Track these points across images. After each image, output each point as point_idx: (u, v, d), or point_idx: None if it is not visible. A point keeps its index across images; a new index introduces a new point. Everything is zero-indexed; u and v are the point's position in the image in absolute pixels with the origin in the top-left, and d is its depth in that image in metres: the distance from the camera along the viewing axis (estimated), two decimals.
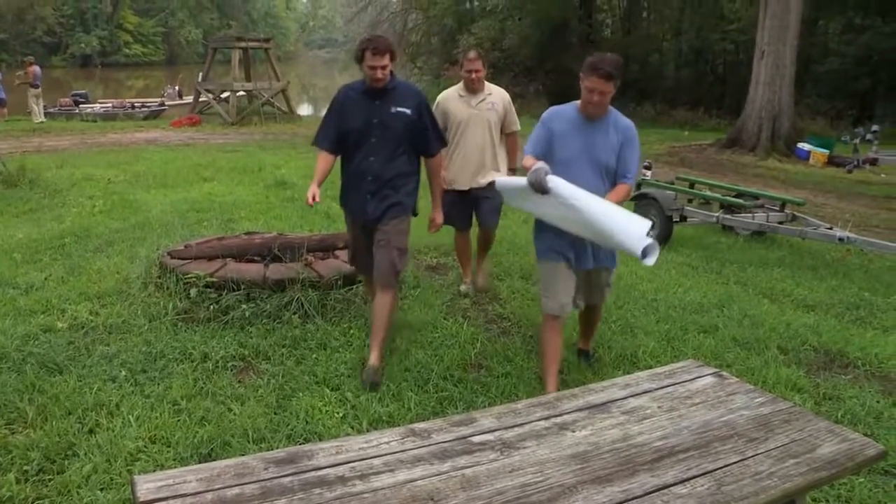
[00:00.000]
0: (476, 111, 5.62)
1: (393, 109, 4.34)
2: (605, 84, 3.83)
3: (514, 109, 5.84)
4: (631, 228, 3.60)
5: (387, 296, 4.45)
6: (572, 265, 4.13)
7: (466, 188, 5.67)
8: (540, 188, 3.73)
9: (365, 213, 4.48)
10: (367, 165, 4.40)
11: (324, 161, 4.52)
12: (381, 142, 4.37)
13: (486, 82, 5.72)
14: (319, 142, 4.55)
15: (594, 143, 4.00)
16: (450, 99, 5.72)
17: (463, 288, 6.03)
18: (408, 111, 4.37)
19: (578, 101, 4.03)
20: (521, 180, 3.88)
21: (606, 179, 4.04)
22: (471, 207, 5.81)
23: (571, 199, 3.68)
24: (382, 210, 4.42)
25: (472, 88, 5.64)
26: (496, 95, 5.73)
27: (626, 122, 4.08)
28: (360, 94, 4.42)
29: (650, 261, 3.55)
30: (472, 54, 5.63)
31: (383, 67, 4.24)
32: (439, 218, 4.83)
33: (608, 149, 4.00)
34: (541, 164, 3.78)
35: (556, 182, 3.72)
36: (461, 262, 6.26)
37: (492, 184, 5.16)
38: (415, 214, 4.63)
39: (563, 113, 4.10)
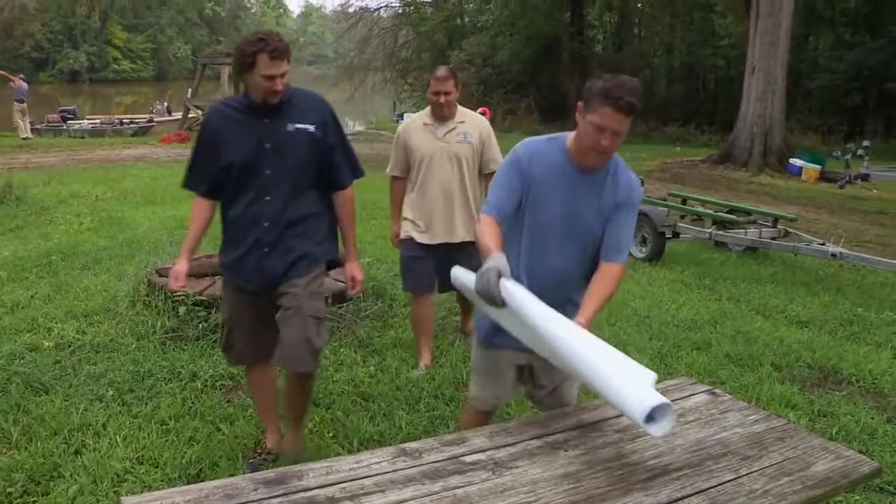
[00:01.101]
0: (444, 144, 4.53)
1: (290, 127, 3.17)
2: (625, 121, 2.58)
3: (494, 142, 4.68)
4: (627, 388, 2.21)
5: (303, 381, 3.43)
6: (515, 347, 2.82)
7: (432, 242, 4.59)
8: (491, 300, 2.45)
9: (262, 272, 3.24)
10: (261, 208, 3.18)
11: (200, 210, 3.36)
12: (277, 174, 3.17)
13: (460, 107, 4.66)
14: (192, 183, 3.34)
15: (584, 204, 2.72)
16: (412, 129, 4.62)
17: (416, 373, 4.66)
18: (310, 127, 3.20)
19: (566, 138, 2.76)
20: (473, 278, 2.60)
21: (588, 255, 2.79)
22: (435, 267, 4.59)
23: (539, 328, 2.40)
24: (286, 266, 3.23)
25: (441, 115, 4.54)
26: (471, 124, 4.63)
27: (630, 177, 2.80)
28: (243, 113, 3.20)
29: (660, 429, 2.20)
30: (441, 72, 4.51)
31: (283, 76, 3.07)
32: (358, 272, 3.49)
33: (600, 212, 2.74)
34: (493, 262, 2.46)
35: (515, 295, 2.43)
36: (417, 336, 4.89)
37: (469, 243, 4.28)
38: (334, 266, 3.58)
39: (548, 155, 2.74)
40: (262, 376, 3.55)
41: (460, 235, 4.56)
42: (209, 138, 3.25)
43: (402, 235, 4.72)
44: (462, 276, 2.86)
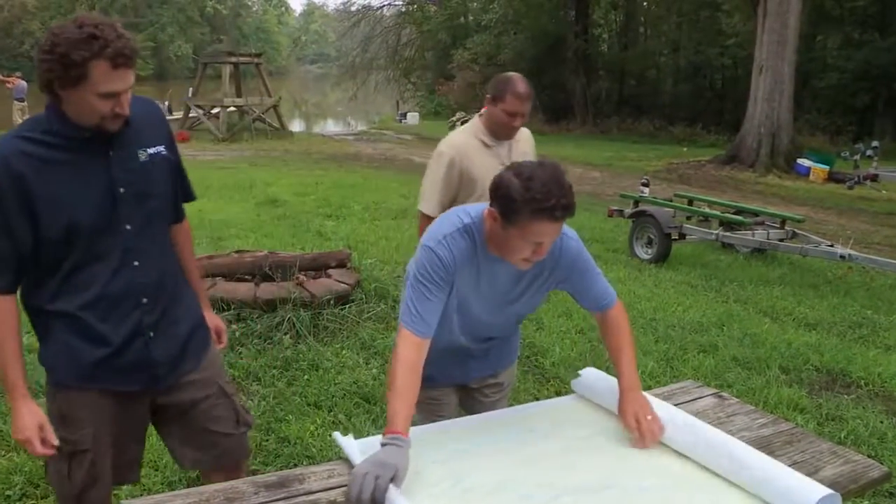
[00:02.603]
0: None
1: (143, 155, 2.16)
2: (562, 224, 2.12)
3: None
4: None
5: (243, 464, 2.60)
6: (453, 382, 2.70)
7: None
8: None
9: (150, 366, 2.23)
10: (131, 278, 2.14)
11: (11, 315, 2.07)
12: (141, 227, 2.16)
13: None
14: None
15: (517, 291, 2.37)
16: (470, 151, 3.40)
17: None
18: (162, 149, 2.23)
19: (481, 224, 2.22)
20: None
21: (521, 314, 2.59)
22: None
23: None
24: (179, 348, 2.29)
25: (504, 135, 3.45)
26: (526, 141, 3.63)
27: (562, 239, 2.26)
28: (65, 150, 2.03)
29: None
30: (523, 88, 3.33)
31: (126, 92, 2.00)
32: (220, 321, 2.64)
33: (539, 289, 2.41)
34: (387, 458, 1.90)
35: None
36: None
37: None
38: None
39: (468, 252, 2.22)
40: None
41: None
42: (14, 197, 1.97)
43: None
44: (347, 446, 2.12)
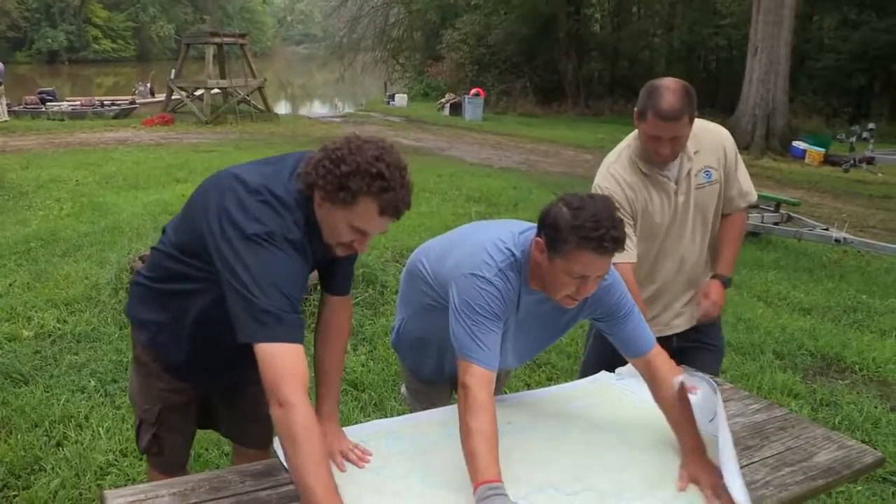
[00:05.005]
0: (681, 198, 2.79)
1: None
2: (610, 260, 2.04)
3: (742, 163, 2.93)
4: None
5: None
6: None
7: (663, 334, 2.89)
8: None
9: (221, 380, 2.35)
10: None
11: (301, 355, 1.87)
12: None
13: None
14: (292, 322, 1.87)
15: (551, 327, 2.39)
16: (640, 186, 2.78)
17: None
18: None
19: (526, 261, 2.17)
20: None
21: None
22: None
23: None
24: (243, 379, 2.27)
25: (657, 161, 2.74)
26: (708, 147, 2.83)
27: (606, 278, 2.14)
28: (302, 233, 1.95)
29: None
30: (667, 104, 2.62)
31: (371, 236, 2.04)
32: (345, 445, 2.16)
33: (562, 329, 2.43)
34: None
35: None
36: None
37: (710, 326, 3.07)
38: None
39: (516, 284, 2.17)
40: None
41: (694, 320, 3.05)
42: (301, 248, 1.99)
43: None
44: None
